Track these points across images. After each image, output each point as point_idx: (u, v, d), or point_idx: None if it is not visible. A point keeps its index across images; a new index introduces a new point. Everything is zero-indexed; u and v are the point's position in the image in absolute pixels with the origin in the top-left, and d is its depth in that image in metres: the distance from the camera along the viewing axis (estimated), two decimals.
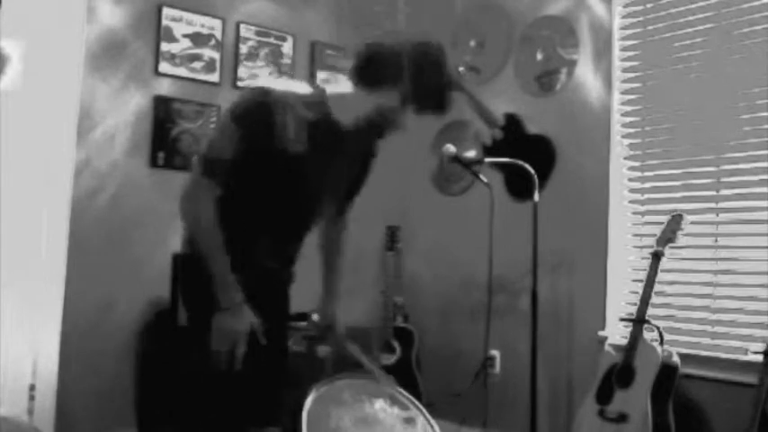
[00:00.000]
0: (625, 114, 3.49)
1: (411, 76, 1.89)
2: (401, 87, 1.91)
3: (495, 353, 3.84)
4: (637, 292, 3.07)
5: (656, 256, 3.00)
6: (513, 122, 3.86)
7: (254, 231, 2.07)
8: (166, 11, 3.69)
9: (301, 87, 2.06)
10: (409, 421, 2.10)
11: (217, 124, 2.05)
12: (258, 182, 2.00)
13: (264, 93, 1.94)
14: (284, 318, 2.28)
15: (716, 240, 3.18)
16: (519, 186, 3.71)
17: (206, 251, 1.97)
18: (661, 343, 2.97)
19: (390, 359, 3.96)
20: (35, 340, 3.31)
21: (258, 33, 4.02)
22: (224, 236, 1.97)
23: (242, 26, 3.96)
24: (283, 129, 1.94)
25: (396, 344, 3.99)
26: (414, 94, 1.92)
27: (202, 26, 3.81)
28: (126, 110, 3.58)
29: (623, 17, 3.51)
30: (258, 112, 1.92)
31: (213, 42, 3.84)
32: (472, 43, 4.20)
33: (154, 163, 3.65)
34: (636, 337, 2.94)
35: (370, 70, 1.93)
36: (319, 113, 2.01)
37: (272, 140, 1.93)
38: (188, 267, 2.12)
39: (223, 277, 1.96)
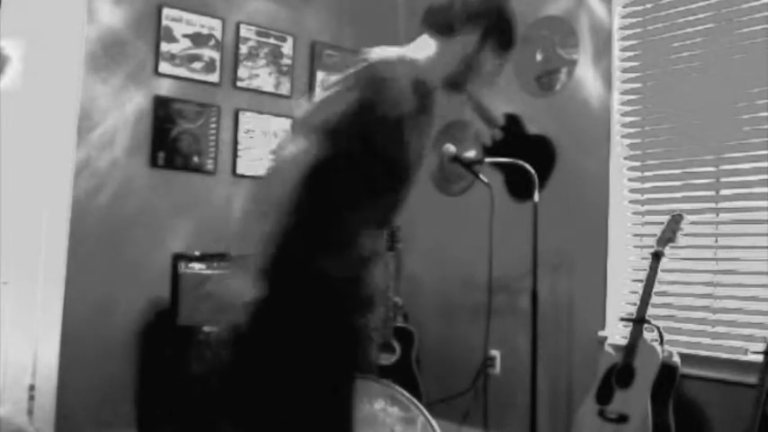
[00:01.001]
0: (625, 114, 3.49)
1: (481, 16, 2.02)
2: (475, 28, 2.00)
3: (495, 353, 3.84)
4: (637, 292, 3.07)
5: (656, 256, 3.00)
6: (513, 122, 3.86)
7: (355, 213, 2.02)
8: (166, 11, 3.69)
9: (402, 52, 2.01)
10: (409, 421, 2.10)
11: (330, 93, 1.91)
12: (363, 154, 1.92)
13: (385, 64, 1.90)
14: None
15: (716, 240, 3.18)
16: (519, 186, 3.71)
17: (268, 208, 1.79)
18: (661, 343, 2.97)
19: (390, 359, 3.96)
20: (35, 340, 3.31)
21: (258, 33, 4.02)
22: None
23: (242, 26, 3.96)
24: (398, 99, 1.89)
25: (396, 344, 3.99)
26: (488, 33, 2.02)
27: (202, 26, 3.81)
28: (126, 110, 3.58)
29: (623, 17, 3.51)
30: (381, 86, 1.86)
31: (213, 42, 3.84)
32: None
33: (154, 163, 3.65)
34: (636, 337, 2.94)
35: (443, 17, 1.99)
36: (419, 78, 1.98)
37: (387, 113, 1.88)
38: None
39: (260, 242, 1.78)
